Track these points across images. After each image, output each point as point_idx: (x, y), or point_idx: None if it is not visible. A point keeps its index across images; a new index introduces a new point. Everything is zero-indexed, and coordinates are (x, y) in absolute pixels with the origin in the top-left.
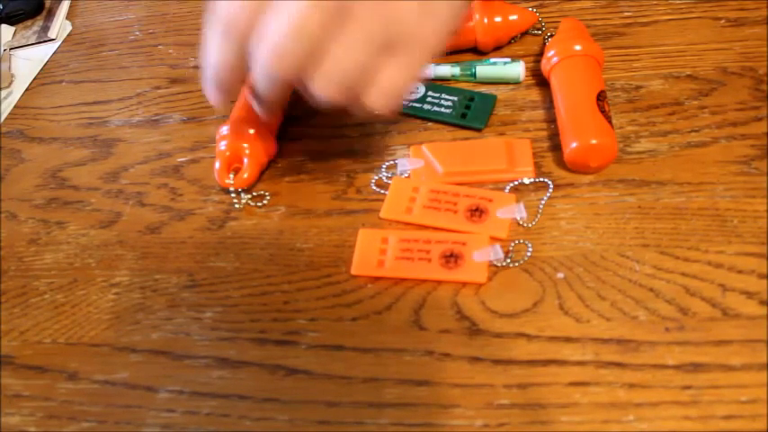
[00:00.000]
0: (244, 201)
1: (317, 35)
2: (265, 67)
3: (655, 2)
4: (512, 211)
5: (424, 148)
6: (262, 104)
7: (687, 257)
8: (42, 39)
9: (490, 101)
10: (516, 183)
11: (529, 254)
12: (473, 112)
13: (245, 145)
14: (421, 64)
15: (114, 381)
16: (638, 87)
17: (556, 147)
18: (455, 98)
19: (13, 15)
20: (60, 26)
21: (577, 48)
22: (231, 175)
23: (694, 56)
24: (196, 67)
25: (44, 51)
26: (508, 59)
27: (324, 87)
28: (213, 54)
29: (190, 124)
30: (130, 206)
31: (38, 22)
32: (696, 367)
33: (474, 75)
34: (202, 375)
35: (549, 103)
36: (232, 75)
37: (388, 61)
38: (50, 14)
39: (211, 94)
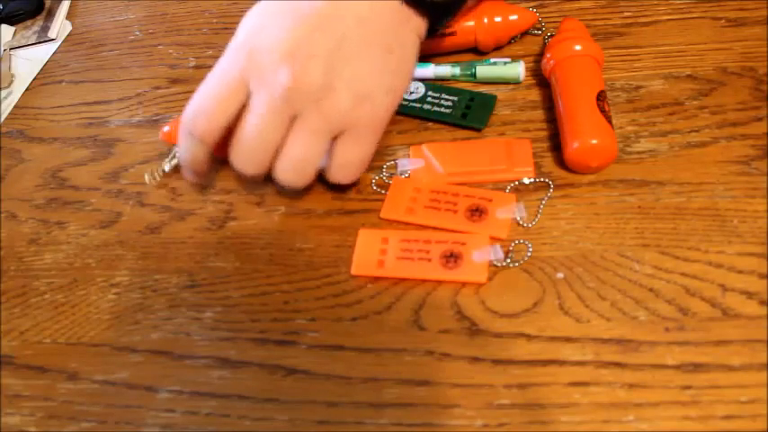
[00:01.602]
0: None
1: (273, 138)
2: (237, 167)
3: (655, 2)
4: (512, 210)
5: (423, 148)
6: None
7: (687, 257)
8: (42, 39)
9: (490, 101)
10: (516, 183)
11: (529, 254)
12: (473, 112)
13: None
14: (367, 141)
15: (114, 381)
16: (638, 87)
17: (556, 147)
18: (455, 98)
19: (13, 15)
20: (60, 26)
21: (577, 48)
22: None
23: (694, 56)
24: (196, 67)
25: (44, 51)
26: (508, 59)
27: (281, 175)
28: (182, 151)
29: None
30: (130, 206)
31: (38, 22)
32: (696, 367)
33: (474, 75)
34: (202, 375)
35: (549, 103)
36: (199, 165)
37: (337, 144)
38: (50, 14)
39: (189, 178)
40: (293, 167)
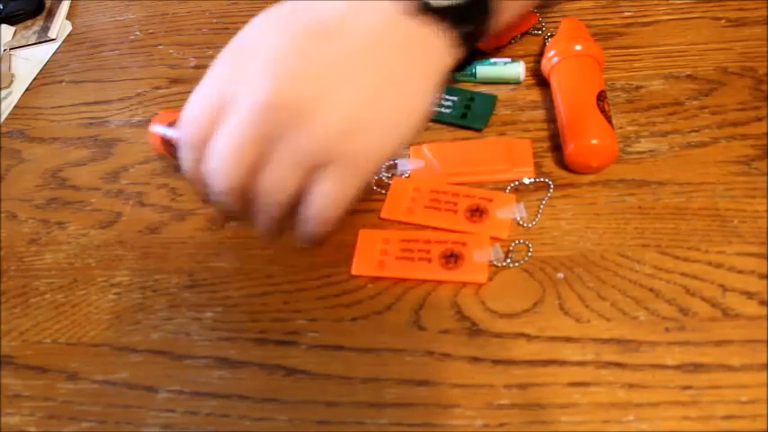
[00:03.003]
0: None
1: (251, 158)
2: (213, 184)
3: (655, 2)
4: (512, 211)
5: (424, 148)
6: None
7: (687, 257)
8: (42, 39)
9: (490, 101)
10: (516, 183)
11: (529, 254)
12: (473, 112)
13: None
14: (352, 180)
15: (114, 381)
16: (638, 87)
17: (556, 147)
18: (455, 98)
19: (13, 15)
20: (60, 26)
21: (577, 48)
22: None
23: (694, 56)
24: (196, 67)
25: (44, 51)
26: (508, 59)
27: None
28: (186, 168)
29: None
30: (130, 206)
31: (38, 22)
32: (696, 367)
33: (474, 75)
34: (202, 375)
35: (549, 103)
36: (200, 181)
37: (318, 178)
38: (50, 14)
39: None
40: (262, 204)
